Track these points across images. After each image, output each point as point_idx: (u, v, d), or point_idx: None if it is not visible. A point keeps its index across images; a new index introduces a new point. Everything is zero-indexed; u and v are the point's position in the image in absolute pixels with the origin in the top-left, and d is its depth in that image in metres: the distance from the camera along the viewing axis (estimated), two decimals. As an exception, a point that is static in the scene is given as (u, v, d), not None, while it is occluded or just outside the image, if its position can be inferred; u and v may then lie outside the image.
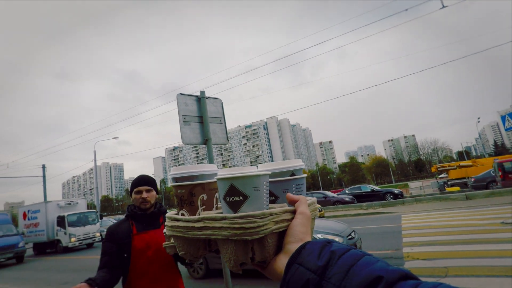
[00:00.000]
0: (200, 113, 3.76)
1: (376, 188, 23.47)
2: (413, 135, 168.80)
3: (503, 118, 11.56)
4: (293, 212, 0.54)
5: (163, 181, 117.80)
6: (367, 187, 23.63)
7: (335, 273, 0.40)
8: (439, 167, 27.77)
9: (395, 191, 21.61)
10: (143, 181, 2.14)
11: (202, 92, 3.82)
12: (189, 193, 0.65)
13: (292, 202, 0.57)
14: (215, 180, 0.60)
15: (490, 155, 72.07)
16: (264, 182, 0.55)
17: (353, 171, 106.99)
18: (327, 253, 0.43)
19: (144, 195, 2.07)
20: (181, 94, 3.67)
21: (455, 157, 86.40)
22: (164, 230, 0.68)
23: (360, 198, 21.79)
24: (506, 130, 11.43)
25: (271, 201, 0.64)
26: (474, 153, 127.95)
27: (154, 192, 2.15)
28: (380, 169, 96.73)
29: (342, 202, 20.69)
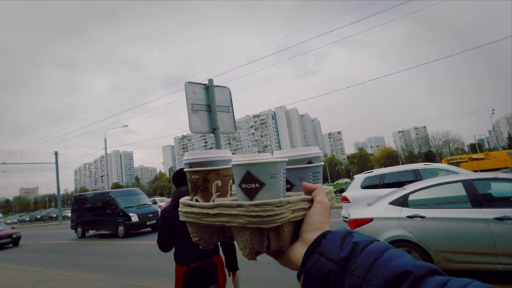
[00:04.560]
0: (208, 102, 3.74)
1: None
2: (424, 127, 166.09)
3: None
4: (311, 201, 0.53)
5: (171, 169, 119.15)
6: None
7: (359, 265, 0.38)
8: (450, 160, 27.27)
9: None
10: None
11: (210, 81, 3.80)
12: (203, 179, 0.63)
13: (309, 191, 0.55)
14: (230, 166, 0.59)
15: (504, 148, 70.41)
16: (281, 170, 0.53)
17: (361, 162, 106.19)
18: (350, 244, 0.41)
19: None
20: (189, 82, 3.65)
21: (467, 150, 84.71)
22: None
23: None
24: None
25: (287, 189, 0.62)
26: (487, 146, 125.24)
27: None
28: (389, 160, 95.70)
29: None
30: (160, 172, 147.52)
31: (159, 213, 3.03)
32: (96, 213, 15.32)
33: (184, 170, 0.67)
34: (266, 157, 0.56)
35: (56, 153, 31.46)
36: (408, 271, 0.35)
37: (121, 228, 13.78)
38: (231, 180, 0.67)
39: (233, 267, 2.68)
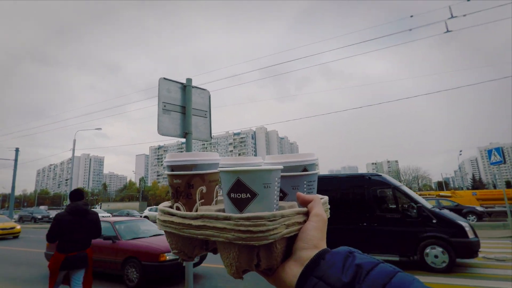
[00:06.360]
0: (184, 103, 3.33)
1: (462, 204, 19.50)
2: (396, 161, 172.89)
3: (489, 152, 11.66)
4: (306, 214, 0.47)
5: (142, 179, 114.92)
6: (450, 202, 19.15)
7: None
8: (419, 195, 28.11)
9: (479, 209, 18.73)
10: None
11: (189, 80, 3.41)
12: (186, 184, 0.56)
13: (305, 203, 0.49)
14: (218, 171, 0.53)
15: (467, 188, 74.46)
16: (276, 178, 0.47)
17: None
18: (352, 267, 0.36)
19: None
20: (164, 78, 3.25)
21: (433, 187, 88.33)
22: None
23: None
24: (491, 164, 11.49)
25: (279, 198, 0.54)
26: (452, 185, 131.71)
27: None
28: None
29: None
30: (130, 181, 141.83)
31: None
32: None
33: (165, 173, 0.60)
34: (257, 161, 0.51)
35: (17, 150, 29.27)
36: None
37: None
38: (217, 186, 0.60)
39: None
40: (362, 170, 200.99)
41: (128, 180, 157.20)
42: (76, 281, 3.87)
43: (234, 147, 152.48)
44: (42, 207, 56.30)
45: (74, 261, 3.75)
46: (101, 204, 53.43)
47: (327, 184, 8.57)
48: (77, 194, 4.01)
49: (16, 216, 31.98)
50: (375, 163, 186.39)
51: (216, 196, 0.60)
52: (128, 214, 31.95)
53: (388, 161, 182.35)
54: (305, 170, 0.57)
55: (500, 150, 11.35)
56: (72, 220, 3.81)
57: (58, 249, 3.75)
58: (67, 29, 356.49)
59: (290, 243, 0.46)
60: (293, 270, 0.42)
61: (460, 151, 49.81)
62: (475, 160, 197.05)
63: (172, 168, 0.57)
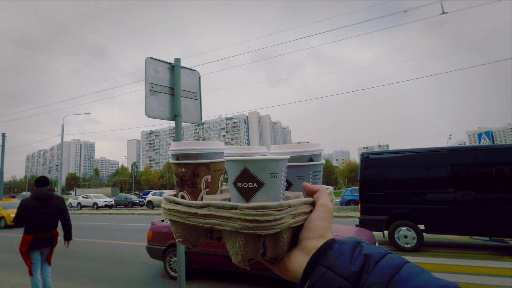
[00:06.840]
0: (172, 84, 3.19)
1: None
2: (387, 145, 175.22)
3: (479, 135, 11.82)
4: (312, 204, 0.47)
5: (134, 164, 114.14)
6: None
7: (373, 282, 0.33)
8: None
9: None
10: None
11: (177, 60, 3.25)
12: (192, 173, 0.56)
13: (310, 193, 0.49)
14: (223, 160, 0.54)
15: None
16: (283, 168, 0.47)
17: (326, 174, 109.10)
18: (360, 257, 0.36)
19: None
20: (151, 58, 3.09)
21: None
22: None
23: None
24: (481, 147, 11.74)
25: (285, 188, 0.54)
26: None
27: None
28: (353, 174, 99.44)
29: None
30: (122, 166, 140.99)
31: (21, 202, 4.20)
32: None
33: (170, 161, 0.60)
34: (262, 151, 0.51)
35: (3, 135, 28.56)
36: None
37: None
38: (222, 175, 0.60)
39: (68, 238, 4.46)
40: (354, 154, 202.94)
41: (120, 165, 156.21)
42: (43, 259, 4.33)
43: (226, 131, 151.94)
44: (24, 193, 55.73)
45: (42, 240, 4.18)
46: (75, 190, 52.87)
47: (467, 157, 6.84)
48: (42, 181, 4.35)
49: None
50: (367, 147, 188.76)
51: (221, 186, 0.59)
52: (126, 199, 31.74)
53: (379, 145, 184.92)
54: (311, 160, 0.57)
55: (489, 134, 11.49)
56: (37, 205, 4.17)
57: (26, 231, 4.15)
58: (46, 11, 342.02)
59: (296, 233, 0.46)
60: (298, 259, 0.42)
61: (450, 135, 50.64)
62: (463, 144, 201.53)
63: (177, 156, 0.57)
